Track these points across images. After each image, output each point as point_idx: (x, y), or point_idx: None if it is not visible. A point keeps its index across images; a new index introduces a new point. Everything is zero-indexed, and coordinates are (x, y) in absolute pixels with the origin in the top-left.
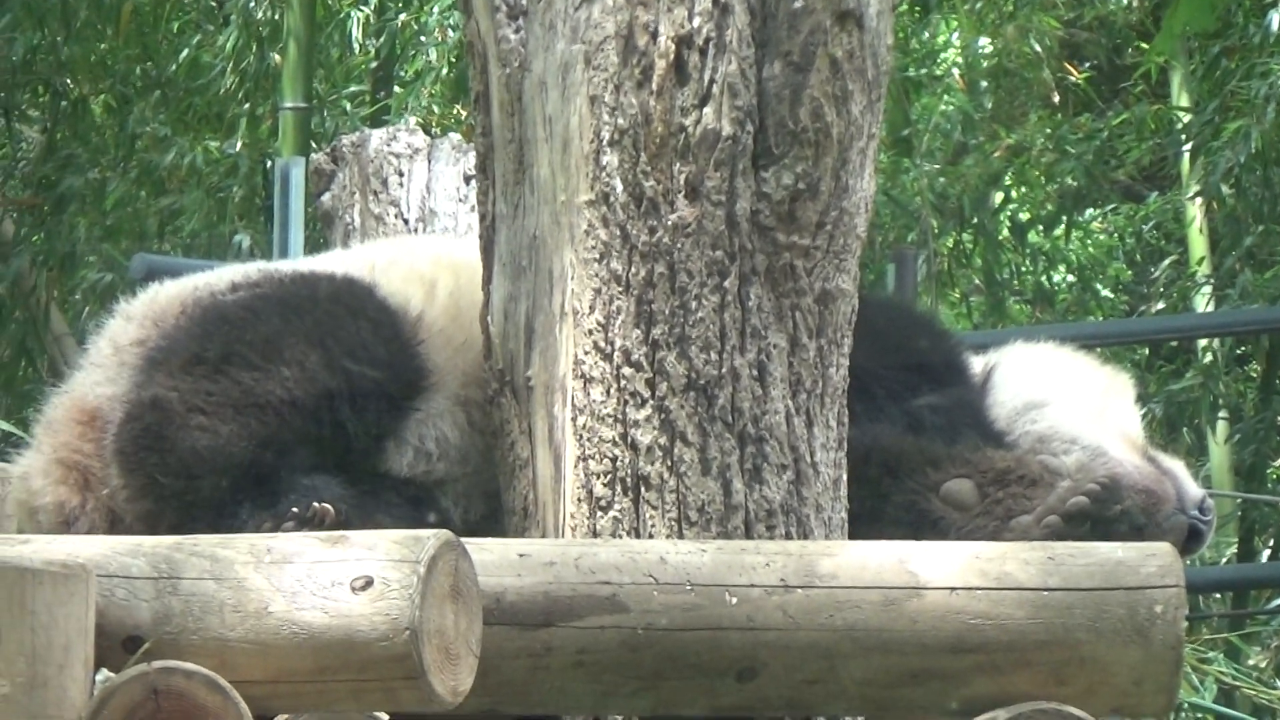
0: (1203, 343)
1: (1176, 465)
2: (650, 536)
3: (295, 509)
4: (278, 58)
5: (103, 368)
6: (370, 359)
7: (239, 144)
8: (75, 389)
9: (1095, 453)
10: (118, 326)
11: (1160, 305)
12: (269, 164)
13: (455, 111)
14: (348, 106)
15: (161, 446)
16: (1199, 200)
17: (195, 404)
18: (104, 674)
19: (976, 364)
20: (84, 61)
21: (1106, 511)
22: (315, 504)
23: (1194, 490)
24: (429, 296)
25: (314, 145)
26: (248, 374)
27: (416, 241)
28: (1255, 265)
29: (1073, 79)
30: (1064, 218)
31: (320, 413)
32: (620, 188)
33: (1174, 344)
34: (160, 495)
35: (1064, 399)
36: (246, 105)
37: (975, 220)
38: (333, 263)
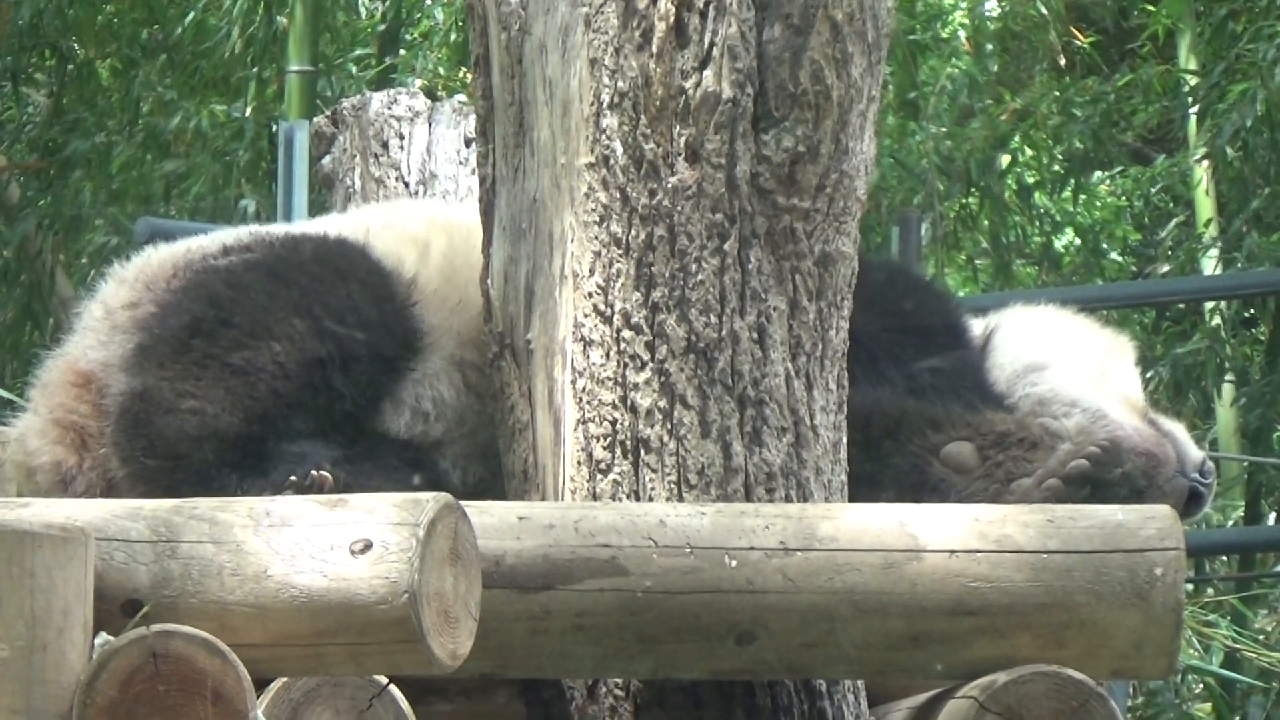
0: (1209, 305)
1: (1177, 428)
2: (650, 500)
3: (294, 477)
4: (284, 21)
5: (95, 331)
6: (361, 322)
7: (245, 108)
8: (70, 352)
9: (1095, 415)
10: (110, 290)
11: (1166, 268)
12: (274, 128)
13: (461, 74)
14: (353, 70)
15: (151, 433)
16: (1205, 163)
17: (185, 389)
18: (103, 637)
19: (976, 327)
20: (90, 25)
21: (1107, 474)
22: (314, 471)
23: (1194, 453)
24: (423, 258)
25: (319, 108)
26: (237, 354)
27: (412, 204)
28: (1262, 228)
29: (1084, 44)
30: (1071, 180)
31: (313, 380)
32: (620, 150)
33: (1181, 306)
34: (152, 479)
35: (1064, 362)
36: (253, 69)
37: (982, 183)
38: (327, 225)
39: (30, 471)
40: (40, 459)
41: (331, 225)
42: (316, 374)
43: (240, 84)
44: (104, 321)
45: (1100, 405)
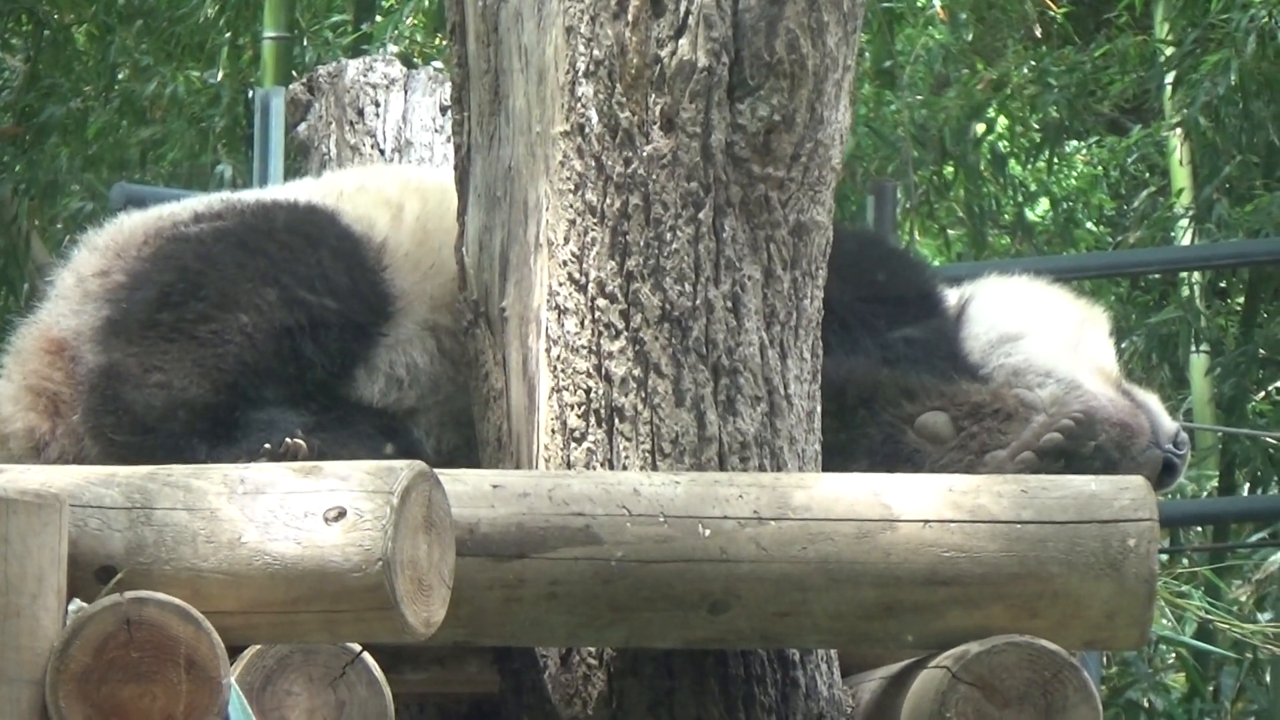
0: (1183, 275)
1: (1151, 399)
2: (624, 468)
3: (268, 444)
4: None
5: (68, 299)
6: (331, 288)
7: (220, 74)
8: (43, 319)
9: (1070, 386)
10: (82, 257)
11: (1138, 235)
12: (250, 94)
13: (437, 41)
14: (329, 36)
15: (119, 409)
16: (1179, 132)
17: (152, 364)
18: (77, 604)
19: (951, 296)
20: None
21: (1081, 448)
22: (288, 439)
23: (1168, 424)
24: (395, 221)
25: (295, 75)
26: (204, 326)
27: (386, 169)
28: (1234, 198)
29: (1057, 14)
30: (1046, 150)
31: (282, 350)
32: (595, 119)
33: (1155, 276)
34: (122, 454)
35: (1039, 332)
36: (228, 35)
37: (956, 152)
38: (299, 191)
39: (4, 438)
40: (13, 425)
41: (304, 190)
42: (286, 343)
43: (216, 50)
44: (76, 289)
45: (1075, 376)
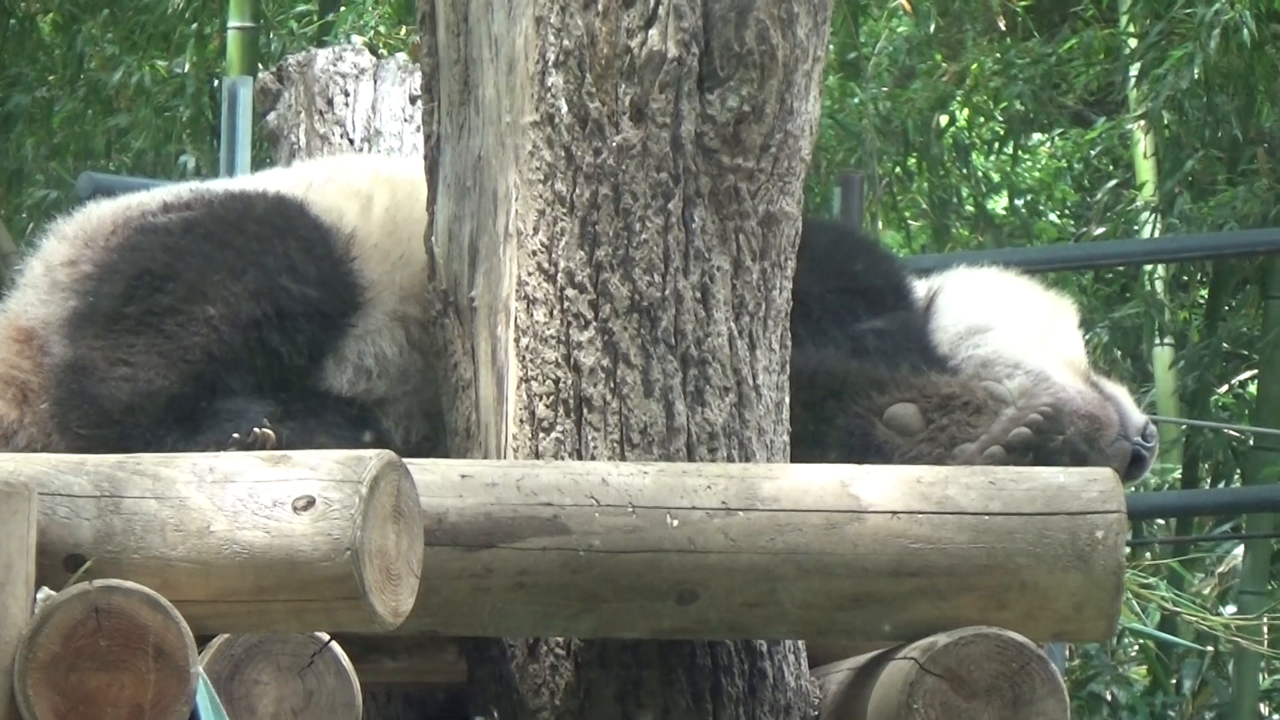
0: (1147, 268)
1: (1119, 391)
2: (592, 458)
3: (236, 434)
4: None
5: (36, 288)
6: (299, 278)
7: (186, 64)
8: (10, 309)
9: (1038, 378)
10: (51, 246)
11: (1100, 230)
12: (216, 83)
13: (402, 33)
14: (294, 26)
15: (85, 404)
16: (1142, 124)
17: (118, 357)
18: (45, 592)
19: (920, 288)
20: None
21: (1049, 442)
22: (257, 429)
23: (1137, 416)
24: (364, 212)
25: (261, 65)
26: (171, 320)
27: (356, 159)
28: (1196, 191)
29: (1017, 7)
30: (1010, 142)
31: (249, 341)
32: (565, 109)
33: (1119, 269)
34: (90, 447)
35: (1007, 324)
36: (194, 25)
37: (919, 143)
38: (269, 181)
39: None
40: None
41: (274, 180)
42: (253, 334)
43: (182, 40)
44: (45, 278)
45: (1043, 368)
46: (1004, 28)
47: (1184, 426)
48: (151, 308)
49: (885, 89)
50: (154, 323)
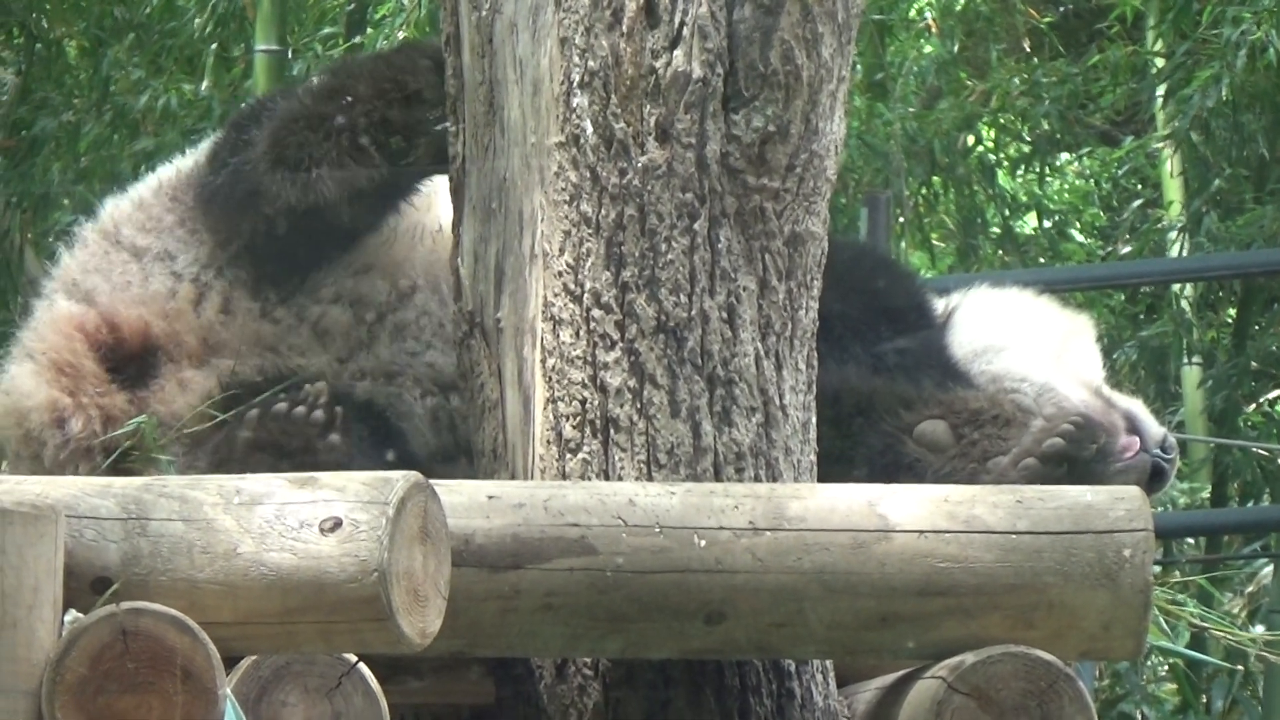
0: (1175, 288)
1: (1135, 404)
2: (619, 479)
3: (284, 400)
4: (245, 2)
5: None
6: None
7: (208, 84)
8: (59, 297)
9: (1042, 389)
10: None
11: (1127, 249)
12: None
13: None
14: (320, 50)
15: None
16: (1169, 143)
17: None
18: (72, 615)
19: (939, 306)
20: (58, 3)
21: (1082, 451)
22: (307, 385)
23: (1155, 429)
24: None
25: None
26: None
27: None
28: (1224, 210)
29: (1041, 24)
30: (1037, 162)
31: None
32: (590, 130)
33: (1147, 289)
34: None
35: (1020, 341)
36: (212, 46)
37: (947, 162)
38: None
39: (24, 414)
40: (35, 399)
41: None
42: None
43: (207, 64)
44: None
45: (1048, 379)
46: (1028, 48)
47: (1212, 445)
48: None
49: (912, 109)
50: None
